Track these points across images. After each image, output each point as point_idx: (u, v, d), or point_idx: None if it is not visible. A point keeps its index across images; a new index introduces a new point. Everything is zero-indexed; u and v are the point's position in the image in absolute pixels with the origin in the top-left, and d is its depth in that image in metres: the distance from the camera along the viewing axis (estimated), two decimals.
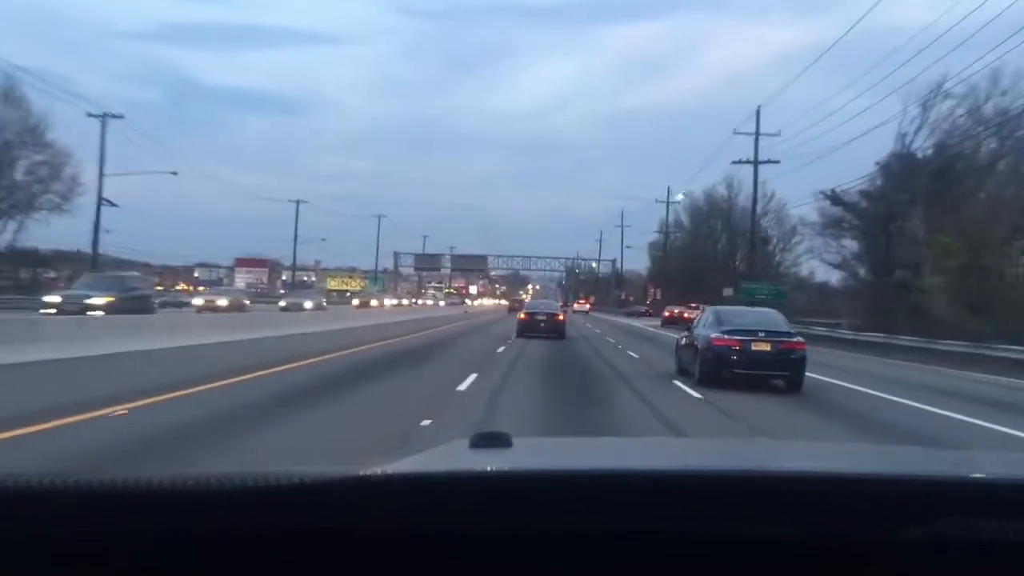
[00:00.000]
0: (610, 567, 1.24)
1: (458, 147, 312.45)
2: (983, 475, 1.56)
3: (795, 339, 14.63)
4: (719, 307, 18.16)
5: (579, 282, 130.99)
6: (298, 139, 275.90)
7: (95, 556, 1.19)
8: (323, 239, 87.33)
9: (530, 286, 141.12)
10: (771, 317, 15.91)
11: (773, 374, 14.43)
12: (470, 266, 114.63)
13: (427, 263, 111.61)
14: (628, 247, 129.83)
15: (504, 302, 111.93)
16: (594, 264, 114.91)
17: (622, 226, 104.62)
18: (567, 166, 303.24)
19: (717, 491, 1.29)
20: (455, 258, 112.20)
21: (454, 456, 1.70)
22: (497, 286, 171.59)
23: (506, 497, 1.27)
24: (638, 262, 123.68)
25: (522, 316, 30.77)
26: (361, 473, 1.25)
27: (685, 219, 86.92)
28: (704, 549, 1.24)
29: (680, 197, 56.35)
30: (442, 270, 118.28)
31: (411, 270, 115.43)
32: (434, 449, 1.78)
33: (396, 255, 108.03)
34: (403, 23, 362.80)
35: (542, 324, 29.24)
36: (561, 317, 30.68)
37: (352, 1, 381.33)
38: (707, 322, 15.45)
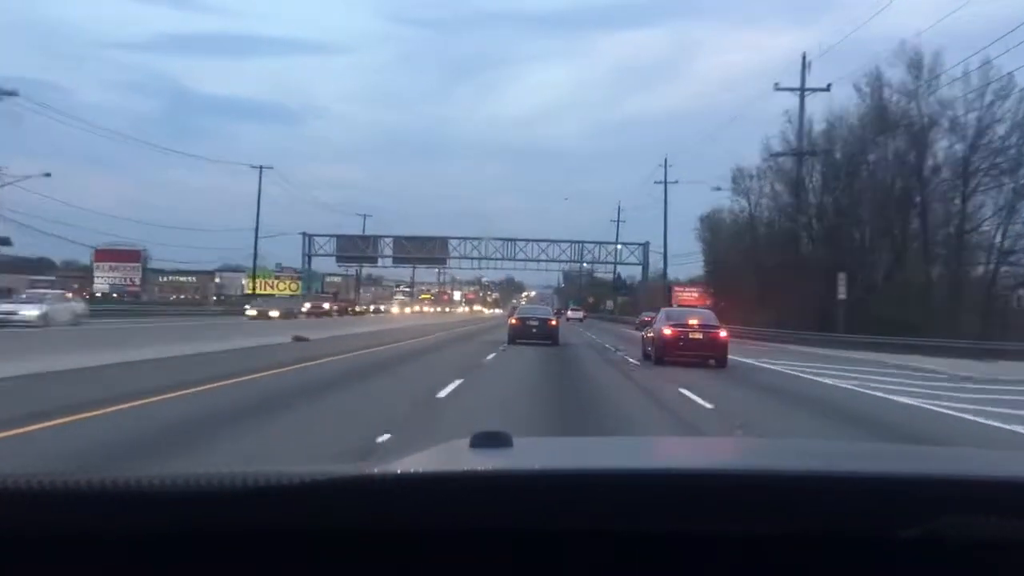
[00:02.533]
0: (611, 567, 1.26)
1: (455, 155, 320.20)
2: (979, 473, 1.57)
3: (720, 330, 21.25)
4: (668, 308, 25.81)
5: (580, 287, 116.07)
6: (292, 148, 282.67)
7: (91, 557, 1.21)
8: (47, 174, 55.45)
9: (525, 293, 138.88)
10: (704, 314, 23.03)
11: (705, 354, 20.94)
12: (423, 254, 73.57)
13: (355, 249, 71.57)
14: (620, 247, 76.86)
15: (490, 309, 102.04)
16: (619, 247, 75.65)
17: (665, 181, 63.23)
18: (565, 173, 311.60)
19: (717, 490, 1.32)
20: (399, 243, 71.85)
21: (454, 455, 1.70)
22: (490, 292, 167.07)
23: (507, 497, 1.28)
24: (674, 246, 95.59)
25: (513, 321, 31.30)
26: (361, 473, 1.28)
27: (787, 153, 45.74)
28: (704, 548, 1.27)
29: None
30: (380, 261, 76.66)
31: (340, 261, 76.43)
32: (434, 448, 1.81)
33: (306, 238, 69.39)
34: (398, 32, 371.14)
35: (534, 330, 29.59)
36: (554, 322, 31.48)
37: (347, 11, 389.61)
38: (660, 319, 22.34)
